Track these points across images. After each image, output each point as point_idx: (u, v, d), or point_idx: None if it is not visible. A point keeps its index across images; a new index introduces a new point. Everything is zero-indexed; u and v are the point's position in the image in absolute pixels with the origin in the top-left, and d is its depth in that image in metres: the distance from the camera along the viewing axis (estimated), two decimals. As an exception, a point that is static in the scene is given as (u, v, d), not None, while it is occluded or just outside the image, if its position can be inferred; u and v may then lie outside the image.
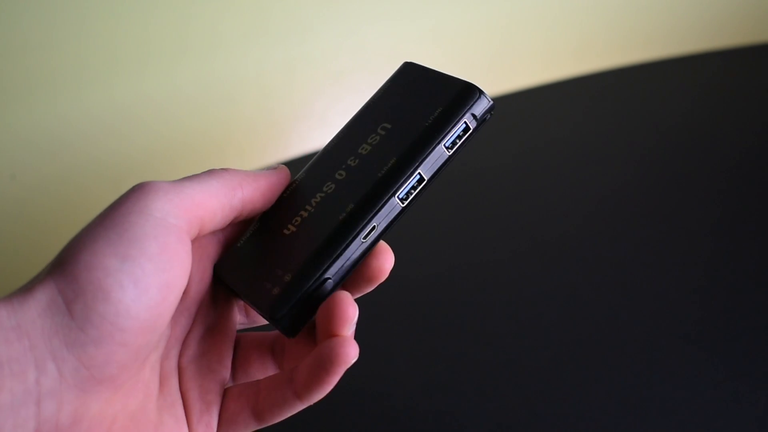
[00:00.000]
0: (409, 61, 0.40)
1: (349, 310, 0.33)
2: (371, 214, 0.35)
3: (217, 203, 0.35)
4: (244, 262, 0.37)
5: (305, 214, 0.36)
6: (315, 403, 0.36)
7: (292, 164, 0.84)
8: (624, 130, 0.99)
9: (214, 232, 0.38)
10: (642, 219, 0.82)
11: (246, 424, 0.37)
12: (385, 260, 0.36)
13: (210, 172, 0.35)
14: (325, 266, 0.34)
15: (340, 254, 0.34)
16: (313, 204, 0.37)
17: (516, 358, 0.67)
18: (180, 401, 0.37)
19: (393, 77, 0.40)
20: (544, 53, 1.26)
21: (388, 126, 0.37)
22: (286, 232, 0.37)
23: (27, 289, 0.30)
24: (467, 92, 0.36)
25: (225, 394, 0.38)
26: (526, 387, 0.64)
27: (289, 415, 0.36)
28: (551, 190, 0.87)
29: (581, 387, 0.64)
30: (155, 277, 0.31)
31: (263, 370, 0.39)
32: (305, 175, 0.38)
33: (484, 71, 1.23)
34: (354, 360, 0.33)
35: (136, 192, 0.33)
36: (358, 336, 0.37)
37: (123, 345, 0.30)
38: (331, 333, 0.33)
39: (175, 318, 0.36)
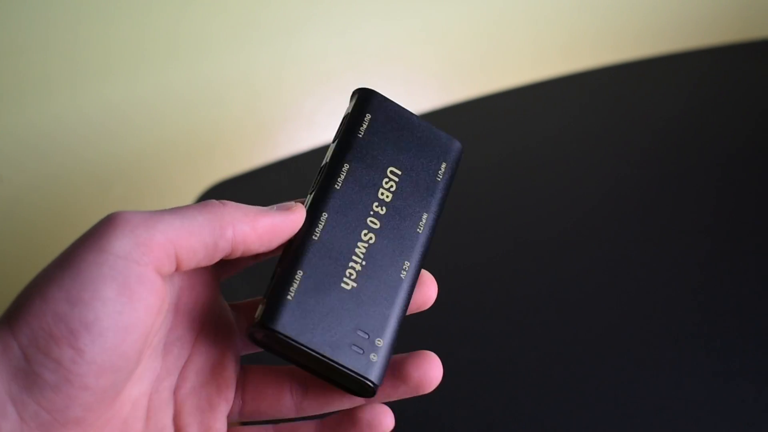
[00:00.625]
0: (363, 87, 0.41)
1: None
2: (419, 271, 0.38)
3: (198, 241, 0.32)
4: (314, 321, 0.35)
5: (359, 268, 0.36)
6: None
7: (282, 165, 0.84)
8: (615, 128, 1.00)
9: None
10: (634, 218, 0.83)
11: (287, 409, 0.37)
12: (431, 289, 0.39)
13: (200, 205, 0.33)
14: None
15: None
16: (361, 256, 0.36)
17: (504, 358, 0.67)
18: None
19: (360, 107, 0.41)
20: (533, 51, 1.26)
21: (399, 173, 0.39)
22: (345, 287, 0.36)
23: None
24: (460, 153, 0.42)
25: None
26: (514, 387, 0.64)
27: None
28: (541, 189, 0.87)
29: (570, 387, 0.64)
30: (110, 320, 0.29)
31: (276, 406, 0.37)
32: (331, 218, 0.37)
33: (473, 70, 1.23)
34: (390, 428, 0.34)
35: (101, 227, 0.31)
36: None
37: (83, 388, 0.29)
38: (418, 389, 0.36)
39: (166, 348, 0.35)
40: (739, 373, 0.64)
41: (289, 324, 0.34)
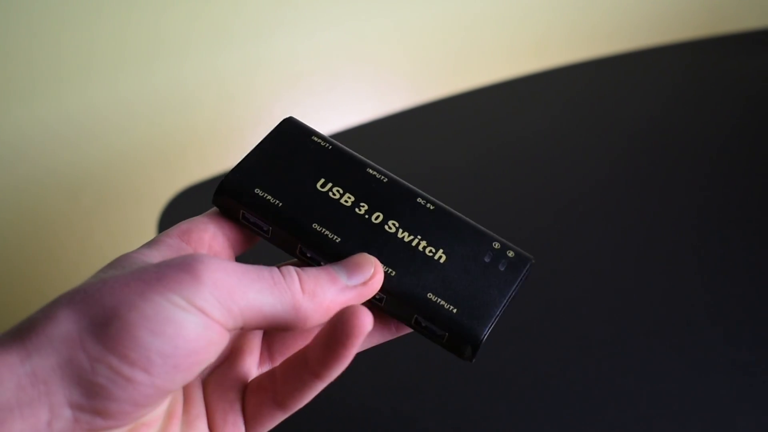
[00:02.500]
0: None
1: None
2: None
3: (270, 322, 0.33)
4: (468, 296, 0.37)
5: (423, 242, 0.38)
6: None
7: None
8: (591, 124, 1.00)
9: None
10: (611, 214, 0.83)
11: (272, 415, 0.37)
12: (365, 318, 0.36)
13: (287, 297, 0.33)
14: None
15: None
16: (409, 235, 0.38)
17: (487, 358, 0.67)
18: (204, 414, 0.37)
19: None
20: (504, 49, 1.26)
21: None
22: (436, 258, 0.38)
23: (41, 329, 0.30)
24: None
25: (244, 390, 0.38)
26: (488, 386, 0.64)
27: (311, 396, 0.37)
28: (516, 188, 0.88)
29: (545, 385, 0.64)
30: (185, 358, 0.30)
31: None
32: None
33: (443, 69, 1.23)
34: (370, 327, 0.33)
35: (189, 271, 0.31)
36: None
37: (143, 405, 0.30)
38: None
39: None
40: (727, 369, 0.65)
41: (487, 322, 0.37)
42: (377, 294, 0.36)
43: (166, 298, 0.30)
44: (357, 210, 0.38)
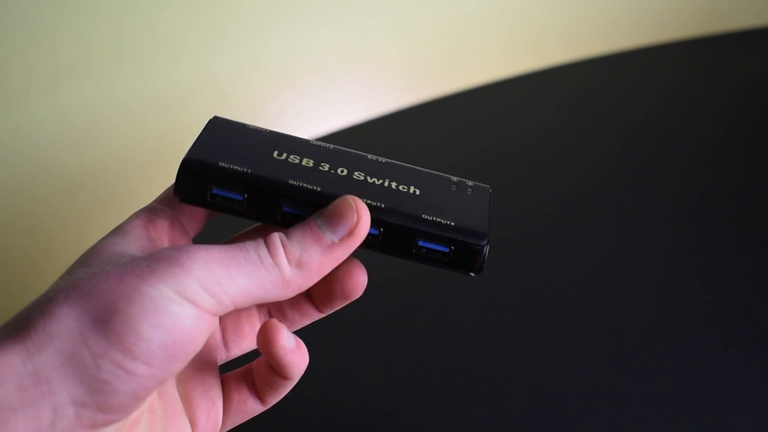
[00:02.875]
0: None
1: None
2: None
3: (261, 300, 0.34)
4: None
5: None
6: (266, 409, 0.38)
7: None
8: (587, 122, 1.00)
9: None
10: (608, 213, 0.83)
11: (253, 410, 0.39)
12: (360, 278, 0.39)
13: (274, 276, 0.34)
14: None
15: None
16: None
17: (471, 357, 0.67)
18: (181, 408, 0.37)
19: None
20: (499, 49, 1.26)
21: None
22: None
23: (41, 327, 0.30)
24: None
25: (225, 383, 0.40)
26: (481, 386, 0.64)
27: (284, 393, 0.39)
28: (511, 188, 0.88)
29: (540, 384, 0.64)
30: (184, 347, 0.31)
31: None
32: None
33: (438, 69, 1.23)
34: (284, 337, 0.36)
35: (178, 262, 0.32)
36: (310, 341, 0.38)
37: (141, 397, 0.31)
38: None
39: None
40: (710, 366, 0.65)
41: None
42: (370, 231, 0.36)
43: (159, 291, 0.30)
44: (321, 168, 0.38)
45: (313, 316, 0.41)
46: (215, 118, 0.40)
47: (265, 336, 0.36)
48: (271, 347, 0.36)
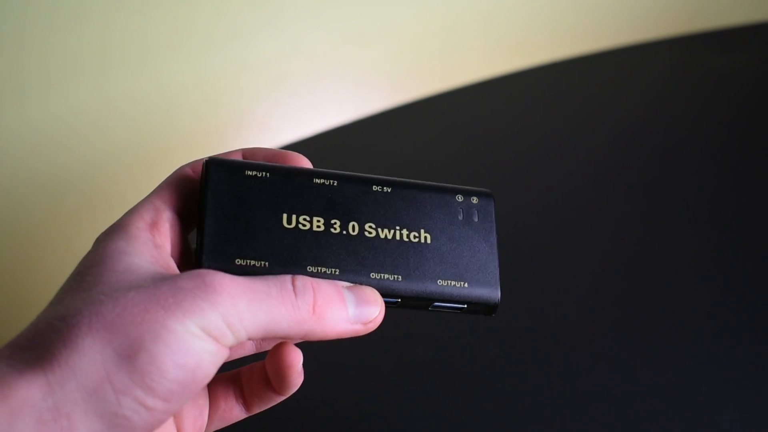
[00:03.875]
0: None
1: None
2: None
3: (276, 336, 0.34)
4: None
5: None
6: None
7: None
8: (576, 121, 1.01)
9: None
10: (598, 211, 0.83)
11: (237, 417, 0.40)
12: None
13: (295, 315, 0.34)
14: None
15: None
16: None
17: (458, 357, 0.67)
18: (172, 420, 0.37)
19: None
20: (485, 48, 1.27)
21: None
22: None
23: (64, 360, 0.29)
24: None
25: (211, 388, 0.40)
26: (469, 385, 0.64)
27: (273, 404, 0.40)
28: (497, 188, 0.88)
29: (528, 384, 0.64)
30: (200, 383, 0.31)
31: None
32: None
33: (423, 69, 1.23)
34: (300, 362, 0.37)
35: (203, 294, 0.32)
36: (300, 343, 0.39)
37: (160, 423, 0.31)
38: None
39: None
40: (693, 362, 0.65)
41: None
42: (390, 300, 0.38)
43: (185, 327, 0.30)
44: (332, 230, 0.38)
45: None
46: (212, 164, 0.39)
47: (282, 360, 0.37)
48: (288, 371, 0.37)
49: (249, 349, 0.42)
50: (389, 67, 1.22)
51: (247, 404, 0.40)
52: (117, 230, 0.35)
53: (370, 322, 0.36)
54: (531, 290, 0.73)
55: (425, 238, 0.40)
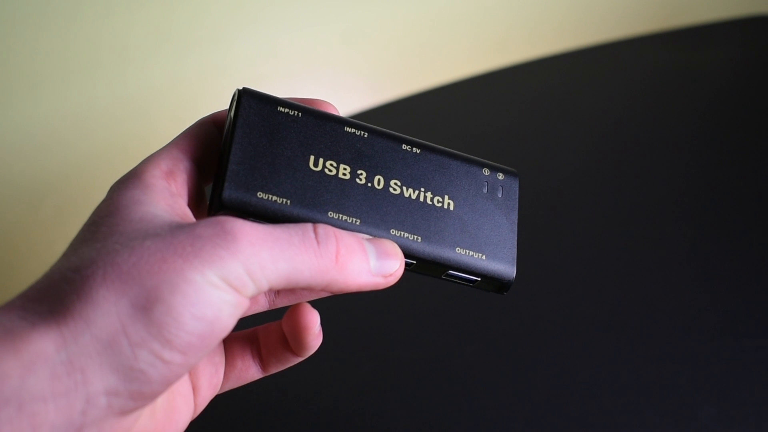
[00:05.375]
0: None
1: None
2: None
3: (300, 284, 0.33)
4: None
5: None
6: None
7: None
8: (555, 119, 1.01)
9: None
10: (576, 209, 0.84)
11: (253, 377, 0.40)
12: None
13: (323, 259, 0.33)
14: None
15: None
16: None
17: (438, 356, 0.67)
18: (186, 375, 0.36)
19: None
20: (464, 47, 1.27)
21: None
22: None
23: (78, 313, 0.28)
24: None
25: (228, 347, 0.39)
26: (449, 385, 0.64)
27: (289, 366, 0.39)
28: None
29: (504, 382, 0.64)
30: (218, 336, 0.30)
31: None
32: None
33: (402, 69, 1.23)
34: (317, 323, 0.37)
35: (223, 241, 0.30)
36: None
37: (171, 383, 0.30)
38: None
39: None
40: (670, 358, 0.66)
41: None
42: (407, 260, 0.38)
43: (205, 277, 0.29)
44: (358, 180, 0.38)
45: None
46: (245, 94, 0.38)
47: (299, 321, 0.36)
48: (304, 332, 0.37)
49: (262, 305, 0.41)
50: (367, 67, 1.22)
51: (264, 364, 0.39)
52: (132, 178, 0.34)
53: (391, 275, 0.36)
54: (513, 289, 0.73)
55: (449, 204, 0.39)
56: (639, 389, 0.62)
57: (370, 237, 0.36)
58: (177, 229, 0.31)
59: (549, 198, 0.85)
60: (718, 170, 0.88)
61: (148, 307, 0.28)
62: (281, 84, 1.14)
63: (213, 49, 1.10)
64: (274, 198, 0.36)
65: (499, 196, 0.41)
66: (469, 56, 1.25)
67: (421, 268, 0.38)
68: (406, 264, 0.38)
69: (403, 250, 0.37)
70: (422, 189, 0.39)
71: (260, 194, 0.36)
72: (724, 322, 0.68)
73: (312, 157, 0.37)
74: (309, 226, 0.33)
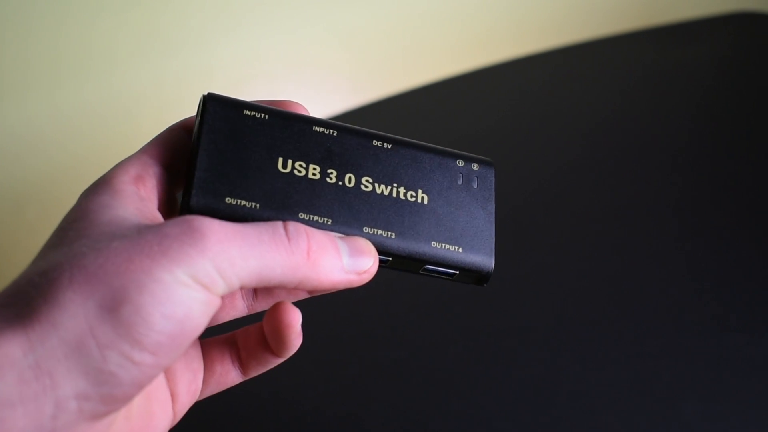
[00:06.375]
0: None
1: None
2: None
3: (269, 283, 0.32)
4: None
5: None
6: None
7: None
8: (542, 117, 1.01)
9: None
10: (563, 208, 0.84)
11: (233, 381, 0.39)
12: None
13: (291, 254, 0.32)
14: None
15: None
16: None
17: (423, 357, 0.67)
18: (163, 381, 0.36)
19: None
20: (450, 45, 1.27)
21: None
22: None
23: (44, 316, 0.28)
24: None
25: (206, 352, 0.39)
26: (434, 385, 0.64)
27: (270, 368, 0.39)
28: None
29: (489, 381, 0.64)
30: (191, 334, 0.30)
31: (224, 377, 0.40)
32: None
33: (384, 69, 1.23)
34: (299, 321, 0.36)
35: (190, 240, 0.30)
36: None
37: (144, 385, 0.30)
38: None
39: None
40: (651, 355, 0.66)
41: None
42: (381, 258, 0.37)
43: (173, 275, 0.29)
44: (328, 180, 0.37)
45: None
46: (210, 100, 0.38)
47: (281, 319, 0.36)
48: (287, 330, 0.36)
49: (240, 311, 0.40)
50: (349, 68, 1.22)
51: (244, 367, 0.39)
52: (100, 184, 0.34)
53: (365, 272, 0.35)
54: (496, 288, 0.73)
55: (422, 198, 0.39)
56: (624, 386, 0.62)
57: (342, 236, 0.36)
58: (145, 229, 0.30)
59: (533, 196, 0.85)
60: (703, 168, 0.88)
61: (115, 308, 0.28)
62: (264, 86, 1.14)
63: (196, 52, 1.10)
64: (243, 202, 0.36)
65: (475, 186, 0.40)
66: (453, 55, 1.25)
67: (397, 264, 0.38)
68: (382, 261, 0.37)
69: (377, 248, 0.37)
70: (395, 185, 0.39)
71: (228, 200, 0.35)
72: (709, 318, 0.68)
73: (280, 159, 0.37)
74: (279, 223, 0.33)
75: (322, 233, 0.34)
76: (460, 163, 0.40)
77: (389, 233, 0.37)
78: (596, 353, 0.66)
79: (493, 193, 0.41)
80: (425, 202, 0.39)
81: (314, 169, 0.37)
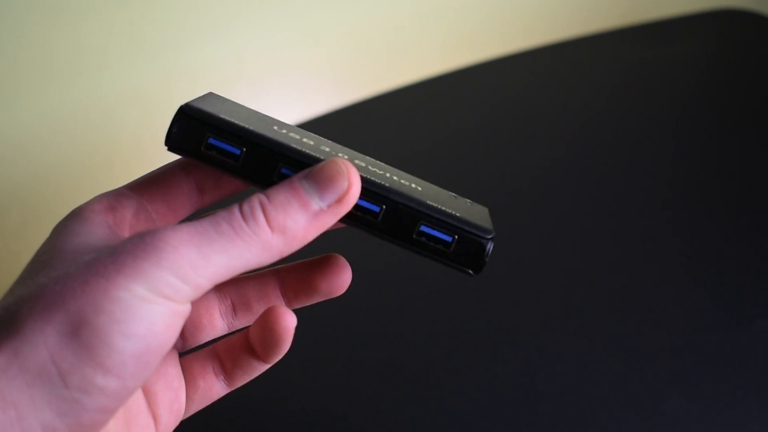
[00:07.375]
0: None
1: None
2: None
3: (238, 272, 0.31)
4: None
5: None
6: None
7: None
8: (527, 115, 1.01)
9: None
10: (550, 206, 0.84)
11: (219, 394, 0.38)
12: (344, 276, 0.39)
13: (254, 242, 0.30)
14: None
15: None
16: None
17: (406, 357, 0.67)
18: (144, 404, 0.36)
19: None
20: (434, 44, 1.27)
21: None
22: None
23: (7, 346, 0.27)
24: None
25: (187, 369, 0.38)
26: (419, 385, 0.64)
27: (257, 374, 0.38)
28: (457, 184, 0.88)
29: (475, 380, 0.64)
30: (157, 353, 0.29)
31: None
32: None
33: (372, 68, 1.24)
34: (293, 325, 0.35)
35: (149, 254, 0.29)
36: None
37: (112, 410, 0.29)
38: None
39: None
40: (632, 352, 0.66)
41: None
42: (371, 207, 0.33)
43: (131, 292, 0.28)
44: (323, 148, 0.35)
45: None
46: (211, 93, 0.37)
47: (276, 323, 0.35)
48: (285, 335, 0.35)
49: (221, 329, 0.39)
50: (331, 68, 1.22)
51: (229, 378, 0.38)
52: (70, 215, 0.34)
53: (342, 199, 0.31)
54: (482, 287, 0.73)
55: (417, 187, 0.36)
56: (606, 382, 0.62)
57: (308, 170, 0.32)
58: (101, 250, 0.30)
59: (518, 194, 0.85)
60: (688, 165, 0.89)
61: (74, 332, 0.27)
62: (245, 87, 1.14)
63: (176, 55, 1.10)
64: (237, 122, 0.33)
65: (468, 204, 0.38)
66: (436, 54, 1.25)
67: (387, 222, 0.34)
68: (371, 216, 0.34)
69: (369, 191, 0.33)
70: (389, 172, 0.36)
71: (223, 115, 0.33)
72: (692, 314, 0.69)
73: (276, 126, 0.36)
74: (235, 206, 0.31)
75: (280, 188, 0.31)
76: (453, 193, 0.39)
77: (382, 181, 0.34)
78: (581, 350, 0.66)
79: (489, 216, 0.38)
80: (419, 189, 0.36)
81: (308, 140, 0.36)
